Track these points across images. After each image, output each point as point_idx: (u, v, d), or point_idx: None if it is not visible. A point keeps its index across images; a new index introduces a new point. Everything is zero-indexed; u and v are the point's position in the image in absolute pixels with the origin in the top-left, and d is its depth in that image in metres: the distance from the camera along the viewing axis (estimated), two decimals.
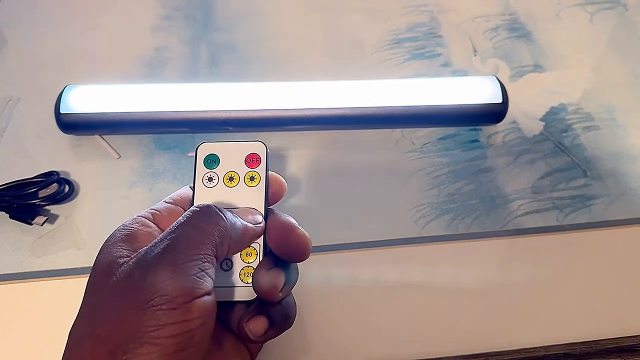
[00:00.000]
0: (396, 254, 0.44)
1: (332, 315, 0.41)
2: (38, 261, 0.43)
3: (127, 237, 0.30)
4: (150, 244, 0.29)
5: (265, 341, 0.33)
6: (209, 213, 0.30)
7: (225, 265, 0.33)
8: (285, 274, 0.32)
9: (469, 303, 0.41)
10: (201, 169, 0.35)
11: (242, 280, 0.33)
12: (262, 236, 0.33)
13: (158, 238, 0.29)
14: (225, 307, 0.33)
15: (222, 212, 0.31)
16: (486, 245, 0.44)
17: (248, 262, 0.33)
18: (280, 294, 0.32)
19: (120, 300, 0.27)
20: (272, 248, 0.33)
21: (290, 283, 0.33)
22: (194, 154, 0.36)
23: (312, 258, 0.41)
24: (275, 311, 0.32)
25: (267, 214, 0.34)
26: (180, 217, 0.30)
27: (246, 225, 0.32)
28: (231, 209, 0.33)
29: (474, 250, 0.44)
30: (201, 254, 0.28)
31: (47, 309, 0.41)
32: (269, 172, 0.36)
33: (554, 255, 0.44)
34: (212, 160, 0.36)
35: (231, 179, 0.35)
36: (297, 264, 0.34)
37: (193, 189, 0.35)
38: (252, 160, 0.36)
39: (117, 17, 0.61)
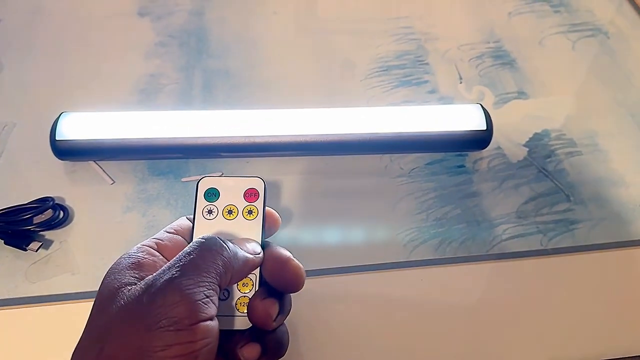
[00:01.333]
0: (385, 278, 0.45)
1: (321, 339, 0.41)
2: (33, 287, 0.43)
3: (133, 265, 0.32)
4: (158, 271, 0.30)
5: None
6: (214, 244, 0.32)
7: (222, 295, 0.34)
8: (279, 304, 0.33)
9: (457, 325, 0.42)
10: (201, 201, 0.37)
11: (238, 310, 0.34)
12: (259, 267, 0.35)
13: (166, 266, 0.30)
14: (222, 336, 0.34)
15: (225, 243, 0.32)
16: (472, 269, 0.45)
17: (244, 293, 0.34)
18: (274, 323, 0.33)
19: (129, 322, 0.28)
20: (267, 279, 0.34)
21: (283, 313, 0.34)
22: (195, 188, 0.37)
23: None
24: (269, 339, 0.33)
25: (264, 246, 0.36)
26: (187, 247, 0.31)
27: (247, 255, 0.33)
28: (230, 240, 0.34)
29: (461, 273, 0.45)
30: (206, 282, 0.29)
31: (42, 335, 0.41)
32: (267, 207, 0.37)
33: (538, 279, 0.45)
34: (212, 194, 0.37)
35: (230, 212, 0.37)
36: (290, 297, 0.35)
37: (193, 220, 0.36)
38: (250, 194, 0.37)
39: (111, 44, 0.63)
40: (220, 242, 0.32)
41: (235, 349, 0.33)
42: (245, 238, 0.35)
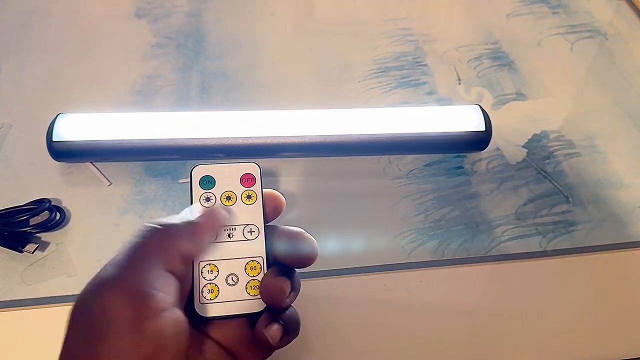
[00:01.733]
0: (384, 280, 0.44)
1: (320, 341, 0.41)
2: (29, 289, 0.43)
3: None
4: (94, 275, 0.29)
5: (278, 348, 0.34)
6: (151, 233, 0.31)
7: (231, 280, 0.34)
8: (290, 282, 0.34)
9: (456, 327, 0.42)
10: (197, 190, 0.36)
11: (248, 293, 0.34)
12: (264, 250, 0.35)
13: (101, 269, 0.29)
14: (234, 321, 0.34)
15: (162, 224, 0.31)
16: (471, 271, 0.45)
17: (253, 276, 0.34)
18: (288, 300, 0.33)
19: (79, 338, 0.27)
20: (279, 256, 0.35)
21: (295, 290, 0.34)
22: (189, 177, 0.37)
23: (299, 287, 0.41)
24: (287, 318, 0.33)
25: (267, 229, 0.36)
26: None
27: (183, 216, 0.33)
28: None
29: (459, 275, 0.45)
30: (148, 273, 0.29)
31: (38, 337, 0.41)
32: (268, 189, 0.37)
33: (537, 280, 0.45)
34: (207, 182, 0.37)
35: (228, 198, 0.36)
36: (298, 277, 0.35)
37: None
38: (247, 179, 0.37)
39: (109, 45, 0.62)
40: (148, 226, 0.31)
41: (259, 330, 0.32)
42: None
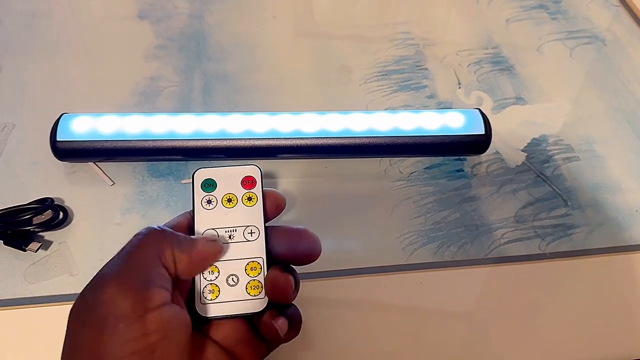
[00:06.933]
0: (384, 281, 0.45)
1: (319, 343, 0.42)
2: (31, 287, 0.43)
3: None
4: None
5: (283, 342, 0.35)
6: (148, 231, 0.32)
7: (231, 280, 0.35)
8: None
9: (455, 329, 0.43)
10: (199, 193, 0.37)
11: (249, 294, 0.35)
12: (265, 250, 0.35)
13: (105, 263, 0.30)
14: (234, 321, 0.35)
15: (161, 227, 0.33)
16: (471, 273, 0.46)
17: (253, 276, 0.35)
18: (294, 295, 0.34)
19: (82, 329, 0.28)
20: (282, 254, 0.35)
21: (297, 288, 0.35)
22: (191, 180, 0.37)
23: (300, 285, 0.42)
24: (291, 313, 0.35)
25: (267, 229, 0.36)
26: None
27: (193, 238, 0.34)
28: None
29: (459, 277, 0.45)
30: (147, 270, 0.30)
31: (41, 336, 0.41)
32: (267, 189, 0.38)
33: (536, 283, 0.45)
34: (209, 185, 0.37)
35: (229, 200, 0.37)
36: (298, 275, 0.36)
37: (192, 212, 0.37)
38: (248, 182, 0.38)
39: (111, 46, 0.63)
40: (154, 228, 0.32)
41: (268, 322, 0.33)
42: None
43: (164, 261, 0.31)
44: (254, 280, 0.35)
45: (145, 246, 0.31)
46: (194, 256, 0.33)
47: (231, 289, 0.34)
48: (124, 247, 0.32)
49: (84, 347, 0.27)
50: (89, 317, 0.28)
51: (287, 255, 0.35)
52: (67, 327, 0.29)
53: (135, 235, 0.32)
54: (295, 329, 0.35)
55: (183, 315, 0.30)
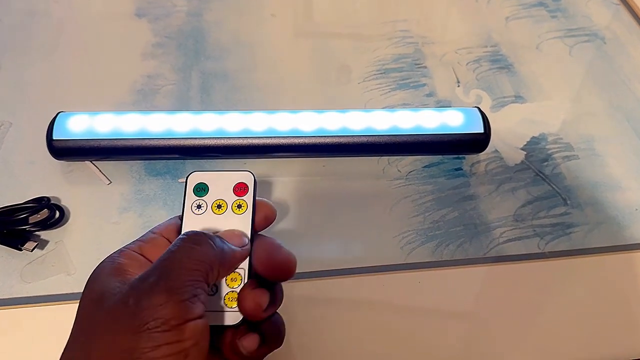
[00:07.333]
0: (382, 281, 0.44)
1: (317, 342, 0.41)
2: (28, 287, 0.43)
3: (116, 270, 0.31)
4: (143, 273, 0.30)
5: (257, 359, 0.34)
6: (199, 240, 0.32)
7: (211, 290, 0.34)
8: (269, 294, 0.33)
9: (453, 328, 0.42)
10: (190, 196, 0.37)
11: (227, 305, 0.34)
12: (247, 261, 0.35)
13: (152, 266, 0.30)
14: (214, 332, 0.34)
15: (211, 239, 0.32)
16: (470, 272, 0.45)
17: (233, 288, 0.34)
18: (264, 313, 0.33)
19: (115, 326, 0.28)
20: (258, 270, 0.34)
21: (275, 303, 0.34)
22: (185, 182, 0.37)
23: (297, 284, 0.42)
24: (266, 328, 0.33)
25: (253, 239, 0.36)
26: (172, 245, 0.31)
27: (233, 249, 0.33)
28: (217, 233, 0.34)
29: (458, 276, 0.45)
30: (192, 280, 0.30)
31: (37, 335, 0.41)
32: (260, 199, 0.37)
33: (535, 282, 0.45)
34: (201, 189, 0.37)
35: (219, 206, 0.36)
36: (282, 288, 0.35)
37: (182, 216, 0.36)
38: (240, 189, 0.37)
39: (109, 45, 0.62)
40: (205, 238, 0.32)
41: (234, 341, 0.33)
42: (231, 230, 0.35)
43: (207, 278, 0.31)
44: (232, 292, 0.34)
45: (193, 255, 0.31)
46: (229, 270, 0.33)
47: (210, 299, 0.33)
48: (172, 251, 0.31)
49: (114, 342, 0.27)
50: (129, 319, 0.28)
51: (260, 270, 0.34)
52: (94, 324, 0.29)
53: (183, 239, 0.31)
54: (272, 344, 0.34)
55: (208, 330, 0.30)
